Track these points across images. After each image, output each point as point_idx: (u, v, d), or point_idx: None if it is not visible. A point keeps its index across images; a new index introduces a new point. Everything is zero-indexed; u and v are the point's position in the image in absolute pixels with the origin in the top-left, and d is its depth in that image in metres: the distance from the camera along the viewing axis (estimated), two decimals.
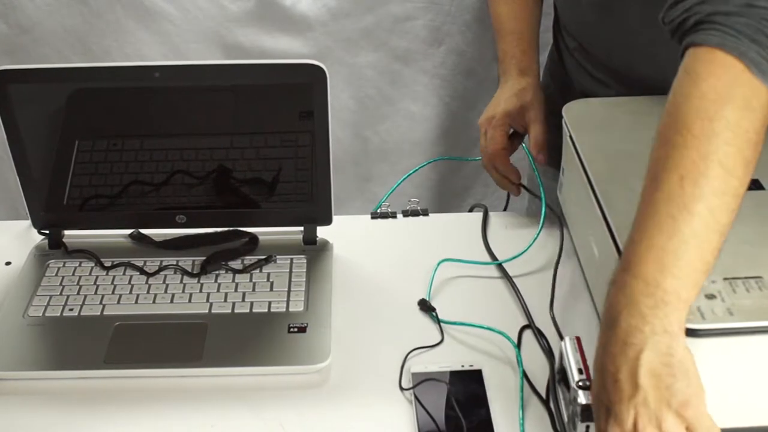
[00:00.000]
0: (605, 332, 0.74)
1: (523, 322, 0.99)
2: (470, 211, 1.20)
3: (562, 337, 0.94)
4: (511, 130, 1.19)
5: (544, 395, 0.89)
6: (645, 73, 1.09)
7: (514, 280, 1.05)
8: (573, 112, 1.08)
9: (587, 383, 0.79)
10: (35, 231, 1.10)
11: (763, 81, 0.72)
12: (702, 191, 0.71)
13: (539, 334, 0.97)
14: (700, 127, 0.72)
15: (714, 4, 0.75)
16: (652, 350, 0.70)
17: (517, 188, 1.19)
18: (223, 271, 1.05)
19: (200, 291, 1.02)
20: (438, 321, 0.99)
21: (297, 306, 1.00)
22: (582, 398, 0.79)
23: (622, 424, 0.70)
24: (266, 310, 0.99)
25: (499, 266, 1.08)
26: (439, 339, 0.97)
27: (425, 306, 1.01)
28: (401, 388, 0.91)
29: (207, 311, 0.99)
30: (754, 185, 0.89)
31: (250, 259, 1.06)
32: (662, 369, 0.70)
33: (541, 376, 0.92)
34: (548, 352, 0.94)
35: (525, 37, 1.22)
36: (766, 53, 0.72)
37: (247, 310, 0.99)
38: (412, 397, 0.89)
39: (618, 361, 0.72)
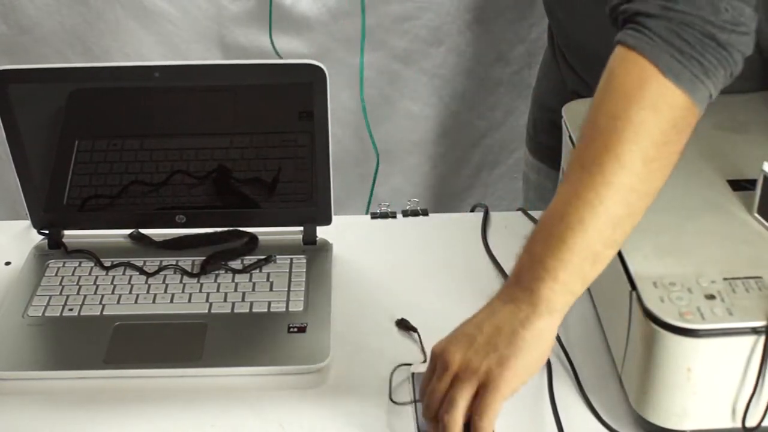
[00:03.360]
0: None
1: None
2: (472, 211, 1.20)
3: (561, 345, 0.94)
4: None
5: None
6: None
7: None
8: (573, 112, 1.08)
9: None
10: (35, 231, 1.10)
11: (675, 83, 0.74)
12: (594, 181, 0.74)
13: None
14: (605, 123, 0.74)
15: (637, 3, 0.77)
16: (510, 314, 0.76)
17: None
18: (223, 271, 1.05)
19: (200, 291, 1.02)
20: (420, 342, 0.97)
21: (297, 306, 1.00)
22: None
23: (444, 342, 0.78)
24: (266, 310, 0.99)
25: (498, 267, 1.08)
26: (423, 358, 0.95)
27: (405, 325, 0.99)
28: (391, 400, 0.89)
29: (207, 311, 0.99)
30: (751, 185, 0.88)
31: (249, 259, 1.06)
32: (506, 331, 0.75)
33: (540, 375, 0.92)
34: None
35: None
36: (680, 56, 0.74)
37: (247, 310, 1.00)
38: (413, 397, 0.89)
39: (480, 314, 0.79)
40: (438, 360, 0.78)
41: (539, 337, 0.76)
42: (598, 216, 0.74)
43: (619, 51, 0.77)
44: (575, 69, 1.21)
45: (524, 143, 1.41)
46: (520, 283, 0.77)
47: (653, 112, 0.73)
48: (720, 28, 0.74)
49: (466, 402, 0.75)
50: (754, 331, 0.75)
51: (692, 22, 0.74)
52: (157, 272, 1.05)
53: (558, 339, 0.95)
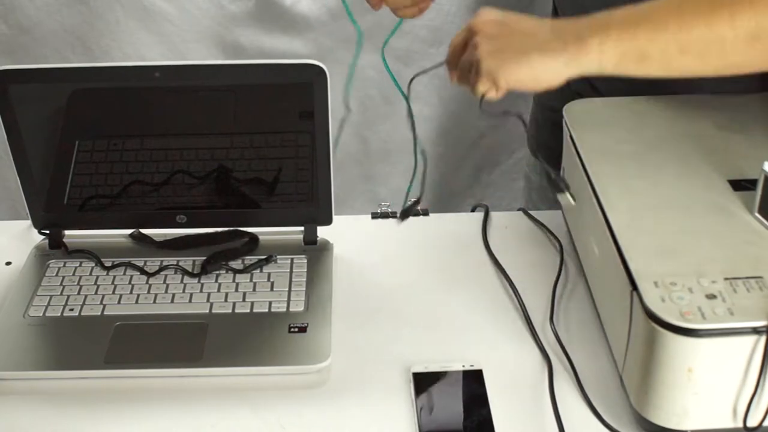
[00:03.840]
0: None
1: (523, 322, 0.99)
2: (472, 210, 1.20)
3: (562, 345, 0.94)
4: None
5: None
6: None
7: (513, 280, 1.05)
8: (573, 112, 1.08)
9: None
10: (35, 231, 1.10)
11: None
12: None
13: (537, 338, 0.97)
14: None
15: None
16: (542, 33, 0.83)
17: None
18: (224, 271, 1.05)
19: (201, 291, 1.02)
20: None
21: (297, 306, 1.00)
22: None
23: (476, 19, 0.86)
24: (267, 310, 0.99)
25: (499, 267, 1.08)
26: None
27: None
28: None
29: (207, 311, 0.99)
30: (751, 185, 0.89)
31: (250, 259, 1.06)
32: (529, 43, 0.82)
33: (540, 375, 0.92)
34: (546, 355, 0.94)
35: None
36: None
37: (248, 310, 1.00)
38: (413, 397, 0.89)
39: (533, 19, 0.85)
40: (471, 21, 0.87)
41: (544, 69, 0.82)
42: (676, 38, 0.76)
43: None
44: None
45: (525, 143, 1.41)
46: (574, 22, 0.80)
47: None
48: None
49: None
50: (755, 331, 0.75)
51: None
52: (157, 272, 1.05)
53: (558, 339, 0.95)
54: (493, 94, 0.86)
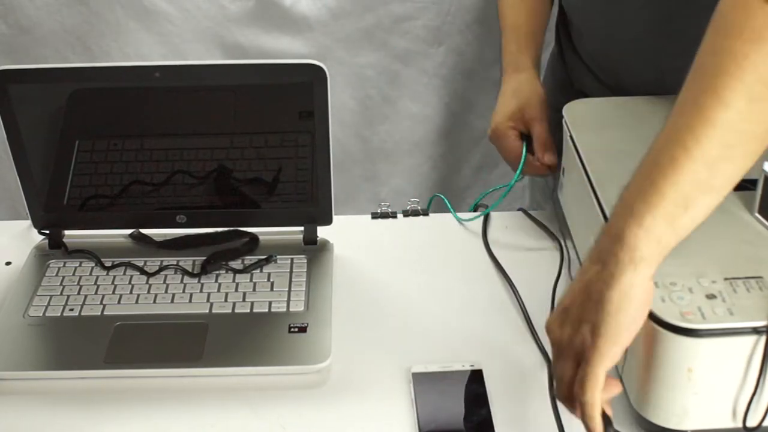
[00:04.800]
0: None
1: (523, 322, 0.99)
2: (474, 210, 1.20)
3: None
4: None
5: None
6: (640, 71, 1.09)
7: (513, 280, 1.05)
8: (573, 112, 1.08)
9: None
10: (35, 231, 1.10)
11: None
12: (691, 121, 0.69)
13: (538, 339, 0.97)
14: (707, 61, 0.70)
15: None
16: (596, 275, 0.72)
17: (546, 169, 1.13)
18: (224, 271, 1.05)
19: (200, 291, 1.02)
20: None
21: (297, 306, 1.00)
22: None
23: (550, 319, 0.77)
24: (267, 310, 0.99)
25: (499, 267, 1.08)
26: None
27: None
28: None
29: (207, 311, 0.99)
30: (751, 185, 0.89)
31: (250, 259, 1.06)
32: (594, 294, 0.71)
33: (540, 375, 0.92)
34: (546, 355, 0.94)
35: (522, 30, 1.18)
36: None
37: (248, 310, 1.00)
38: (413, 397, 0.89)
39: (576, 278, 0.75)
40: (548, 339, 0.77)
41: (627, 295, 0.70)
42: (692, 156, 0.68)
43: None
44: (587, 61, 1.20)
45: None
46: (608, 232, 0.72)
47: (759, 44, 0.67)
48: None
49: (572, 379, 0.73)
50: (755, 330, 0.75)
51: None
52: (157, 272, 1.05)
53: None
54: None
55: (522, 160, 1.12)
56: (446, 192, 1.79)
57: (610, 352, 0.71)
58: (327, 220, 1.08)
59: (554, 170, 1.13)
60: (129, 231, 1.10)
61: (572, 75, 1.25)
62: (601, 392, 0.72)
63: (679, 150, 0.69)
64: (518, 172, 1.12)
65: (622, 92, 1.13)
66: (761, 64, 0.67)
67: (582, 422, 0.74)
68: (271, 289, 1.02)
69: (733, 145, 0.69)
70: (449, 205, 1.17)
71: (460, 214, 1.17)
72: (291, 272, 1.05)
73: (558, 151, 1.13)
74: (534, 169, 1.14)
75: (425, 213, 1.19)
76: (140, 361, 0.94)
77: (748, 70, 0.67)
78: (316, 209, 1.08)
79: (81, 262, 1.07)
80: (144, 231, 1.10)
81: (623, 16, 1.08)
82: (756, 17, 0.67)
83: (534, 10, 1.21)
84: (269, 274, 1.04)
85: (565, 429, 0.84)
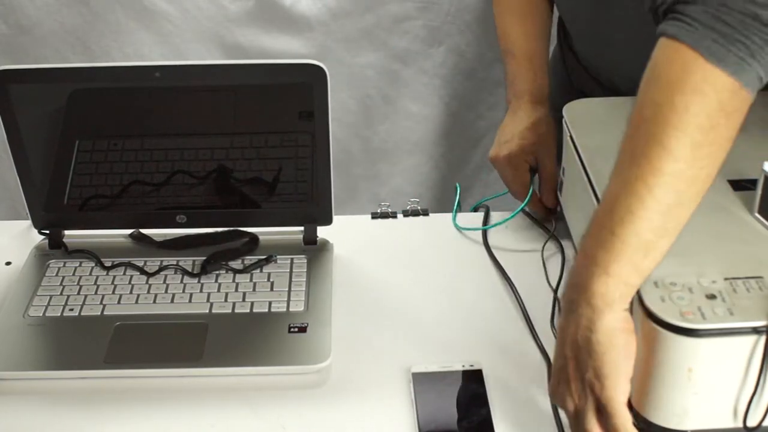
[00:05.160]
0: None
1: (523, 322, 0.99)
2: (474, 210, 1.20)
3: None
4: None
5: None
6: (633, 71, 1.09)
7: (513, 280, 1.05)
8: (573, 112, 1.08)
9: None
10: (35, 231, 1.10)
11: (719, 66, 0.72)
12: (641, 171, 0.73)
13: (538, 341, 0.97)
14: (650, 112, 0.74)
15: None
16: (576, 325, 0.77)
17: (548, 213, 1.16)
18: (224, 271, 1.05)
19: (200, 291, 1.02)
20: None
21: (297, 306, 1.00)
22: None
23: (552, 388, 0.81)
24: (266, 310, 0.99)
25: (499, 267, 1.08)
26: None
27: None
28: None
29: (207, 311, 0.99)
30: (751, 185, 0.88)
31: (250, 259, 1.06)
32: (581, 343, 0.76)
33: (540, 375, 0.92)
34: (546, 355, 0.94)
35: (537, 59, 1.19)
36: (722, 40, 0.72)
37: (248, 310, 1.00)
38: (413, 397, 0.89)
39: (558, 337, 0.80)
40: (558, 406, 0.83)
41: (612, 332, 0.76)
42: (647, 205, 0.73)
43: (661, 42, 0.75)
44: (582, 62, 1.20)
45: None
46: (575, 284, 0.77)
47: (698, 96, 0.72)
48: (762, 6, 0.71)
49: (599, 428, 0.78)
50: (755, 330, 0.75)
51: (732, 4, 0.72)
52: (157, 272, 1.05)
53: None
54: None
55: (529, 196, 1.14)
56: (446, 192, 1.80)
57: (620, 387, 0.77)
58: (327, 220, 1.08)
59: (554, 213, 1.16)
60: (129, 231, 1.10)
61: (572, 75, 1.25)
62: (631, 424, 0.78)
63: (634, 199, 0.73)
64: (524, 203, 1.14)
65: (619, 93, 1.13)
66: (700, 114, 0.72)
67: None
68: (271, 289, 1.02)
69: (683, 191, 0.74)
70: (456, 205, 1.18)
71: (459, 221, 1.16)
72: (291, 272, 1.05)
73: (558, 151, 1.13)
74: (536, 206, 1.17)
75: (425, 213, 1.19)
76: (140, 361, 0.94)
77: (689, 121, 0.72)
78: (316, 209, 1.08)
79: (81, 262, 1.07)
80: (144, 231, 1.10)
81: (612, 18, 1.08)
82: (695, 72, 0.72)
83: (544, 35, 1.21)
84: (269, 274, 1.04)
85: (565, 429, 0.85)
